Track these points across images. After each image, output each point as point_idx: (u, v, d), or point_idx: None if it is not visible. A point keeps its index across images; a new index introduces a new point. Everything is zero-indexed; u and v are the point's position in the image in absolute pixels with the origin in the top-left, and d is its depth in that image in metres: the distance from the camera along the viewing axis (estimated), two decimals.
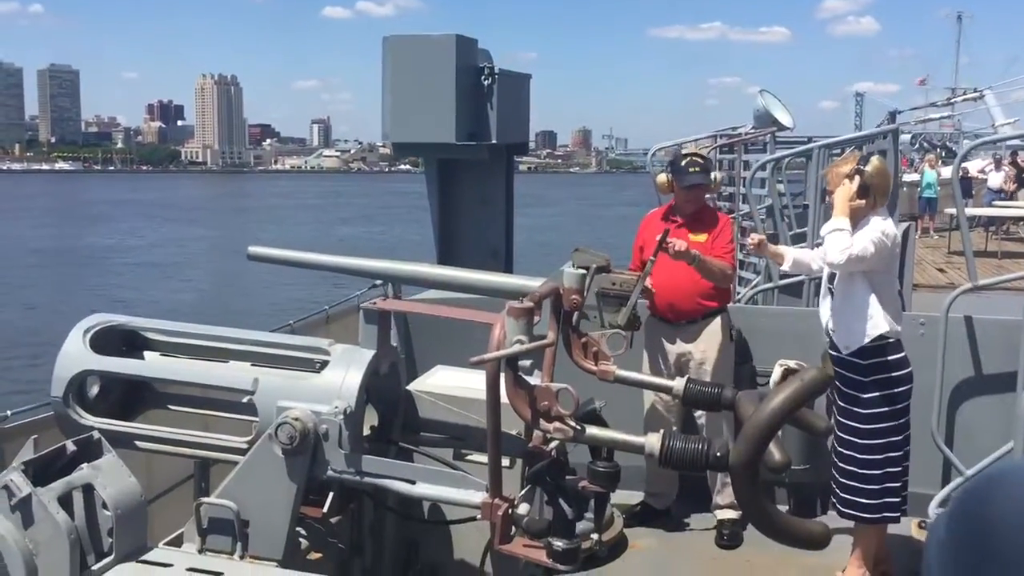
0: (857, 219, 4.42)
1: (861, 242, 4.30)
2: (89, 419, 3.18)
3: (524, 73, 7.66)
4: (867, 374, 4.41)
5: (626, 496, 5.42)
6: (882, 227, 4.37)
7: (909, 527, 5.19)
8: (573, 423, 2.51)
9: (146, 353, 3.39)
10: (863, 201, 4.40)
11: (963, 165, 23.02)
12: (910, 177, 23.86)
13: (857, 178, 4.38)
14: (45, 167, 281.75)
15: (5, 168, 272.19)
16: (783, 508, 5.45)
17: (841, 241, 4.31)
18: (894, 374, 4.40)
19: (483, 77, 6.88)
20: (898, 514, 4.53)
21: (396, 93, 6.76)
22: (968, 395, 5.33)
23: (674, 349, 5.21)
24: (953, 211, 11.24)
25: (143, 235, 58.71)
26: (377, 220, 69.74)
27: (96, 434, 2.90)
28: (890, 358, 4.37)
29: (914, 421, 5.33)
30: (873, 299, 4.38)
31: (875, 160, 4.57)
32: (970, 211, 20.00)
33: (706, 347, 5.15)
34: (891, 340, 4.41)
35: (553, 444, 2.87)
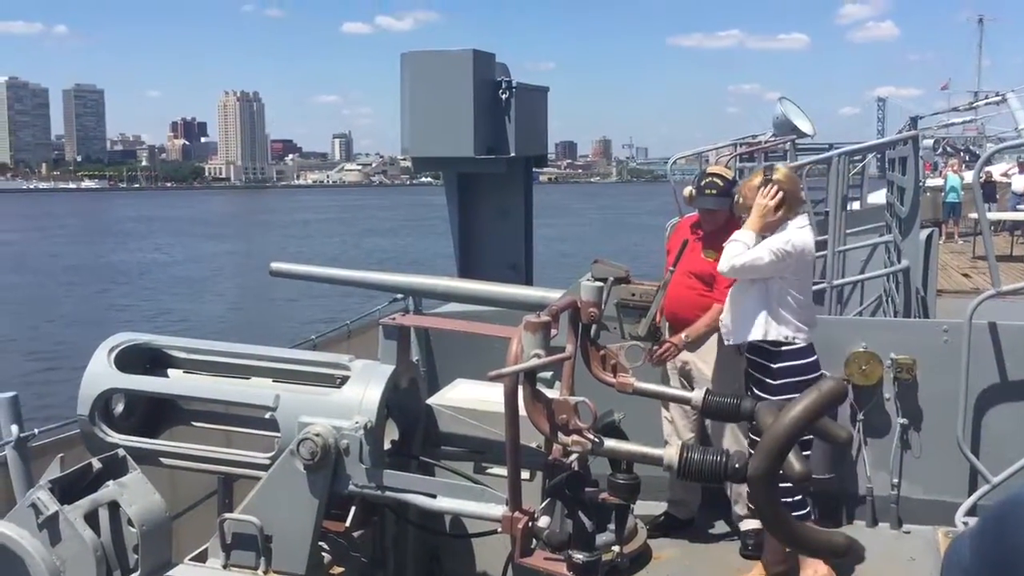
0: (775, 227, 4.54)
1: (754, 253, 4.46)
2: (114, 436, 3.22)
3: (542, 86, 7.69)
4: (776, 376, 4.52)
5: (650, 507, 5.42)
6: (788, 236, 4.47)
7: (936, 536, 5.15)
8: (591, 436, 2.51)
9: (170, 371, 3.44)
10: (779, 212, 4.51)
11: (987, 169, 22.82)
12: (933, 182, 23.66)
13: (773, 189, 4.51)
14: (71, 186, 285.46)
15: (32, 187, 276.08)
16: None
17: (732, 251, 4.51)
18: (776, 381, 4.45)
19: (501, 91, 6.90)
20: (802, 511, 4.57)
21: (415, 108, 6.80)
22: (993, 402, 5.28)
23: (679, 358, 5.21)
24: (977, 215, 11.13)
25: (170, 251, 59.24)
26: (400, 233, 70.02)
27: (121, 451, 2.95)
28: (798, 362, 4.46)
29: (939, 428, 5.31)
30: (762, 305, 4.51)
31: (780, 167, 4.67)
32: (994, 215, 19.83)
33: (709, 359, 5.13)
34: (797, 346, 4.50)
35: (573, 457, 2.88)
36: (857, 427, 5.44)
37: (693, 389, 4.55)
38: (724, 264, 4.54)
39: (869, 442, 5.47)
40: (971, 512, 5.02)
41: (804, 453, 4.42)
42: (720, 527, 5.53)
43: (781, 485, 3.97)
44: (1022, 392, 5.22)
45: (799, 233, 4.50)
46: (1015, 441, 5.12)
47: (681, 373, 5.23)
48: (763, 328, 4.51)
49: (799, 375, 4.46)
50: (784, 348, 4.50)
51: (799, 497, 4.58)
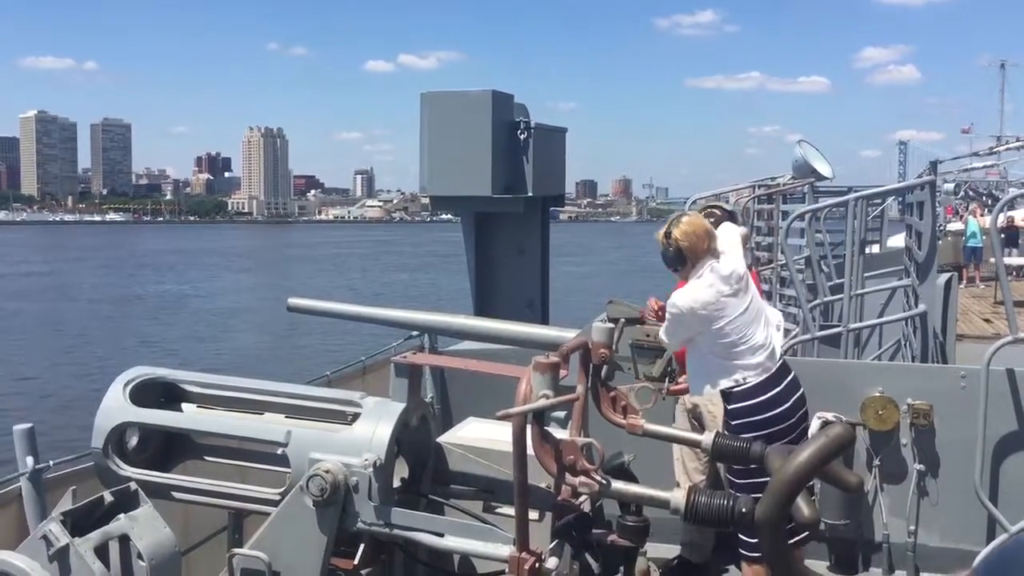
0: (689, 277, 4.47)
1: (664, 328, 4.38)
2: (127, 470, 3.24)
3: (560, 127, 7.75)
4: (733, 417, 4.45)
5: (663, 550, 5.36)
6: (673, 299, 4.38)
7: None
8: (599, 477, 2.51)
9: (184, 405, 3.46)
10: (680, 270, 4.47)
11: (1010, 214, 22.66)
12: (955, 226, 23.54)
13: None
14: (97, 218, 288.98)
15: (58, 219, 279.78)
16: (822, 564, 5.36)
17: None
18: (733, 422, 4.39)
19: (519, 131, 6.96)
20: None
21: (433, 148, 6.87)
22: (1012, 449, 5.22)
23: (689, 400, 5.20)
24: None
25: (194, 284, 59.65)
26: (421, 269, 70.22)
27: (133, 485, 2.97)
28: (749, 403, 4.37)
29: (957, 475, 5.25)
30: (696, 361, 4.45)
31: (684, 219, 4.52)
32: (1015, 260, 19.67)
33: (718, 401, 5.10)
34: (747, 386, 4.41)
35: (583, 498, 2.88)
36: (873, 472, 5.38)
37: (702, 431, 4.54)
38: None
39: (886, 488, 5.41)
40: None
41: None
42: (735, 572, 5.46)
43: None
44: None
45: (685, 293, 4.40)
46: None
47: (692, 415, 5.21)
48: (703, 382, 4.46)
49: (754, 415, 4.40)
50: (735, 390, 4.45)
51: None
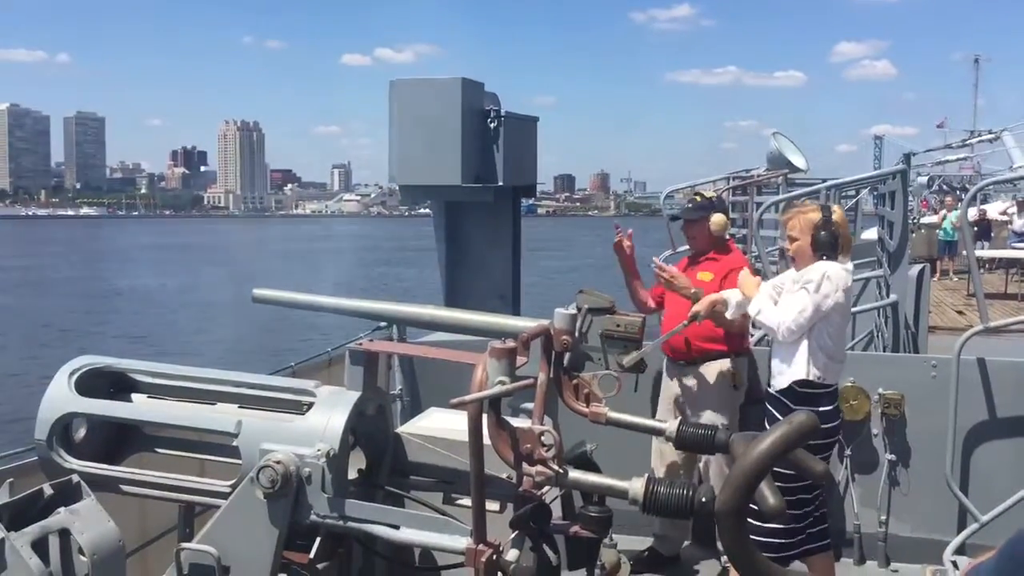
0: (805, 263, 4.34)
1: (795, 309, 4.22)
2: (73, 462, 3.13)
3: (531, 116, 7.64)
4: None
5: (635, 542, 5.30)
6: (828, 269, 4.23)
7: (924, 574, 5.05)
8: (556, 466, 2.43)
9: (133, 395, 3.35)
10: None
11: (983, 207, 22.79)
12: (929, 219, 23.66)
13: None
14: (70, 213, 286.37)
15: (31, 214, 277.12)
16: None
17: (770, 320, 4.32)
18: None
19: (489, 120, 6.87)
20: (820, 543, 4.49)
21: (402, 136, 6.76)
22: (982, 439, 5.20)
23: (673, 387, 5.17)
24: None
25: (168, 279, 59.00)
26: (398, 263, 69.77)
27: (75, 477, 2.86)
28: (819, 409, 4.19)
29: (927, 465, 5.22)
30: (804, 345, 4.28)
31: (835, 211, 4.52)
32: (987, 253, 19.80)
33: (701, 391, 5.05)
34: (821, 390, 4.30)
35: (545, 488, 2.79)
36: (845, 463, 5.35)
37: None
38: (784, 334, 4.28)
39: (857, 478, 5.38)
40: (959, 550, 4.91)
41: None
42: (707, 565, 5.41)
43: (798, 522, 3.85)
44: (1011, 428, 5.14)
45: (833, 267, 4.25)
46: (1004, 478, 5.02)
47: (674, 402, 5.17)
48: (796, 371, 4.30)
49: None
50: (814, 392, 4.29)
51: (820, 528, 4.50)
